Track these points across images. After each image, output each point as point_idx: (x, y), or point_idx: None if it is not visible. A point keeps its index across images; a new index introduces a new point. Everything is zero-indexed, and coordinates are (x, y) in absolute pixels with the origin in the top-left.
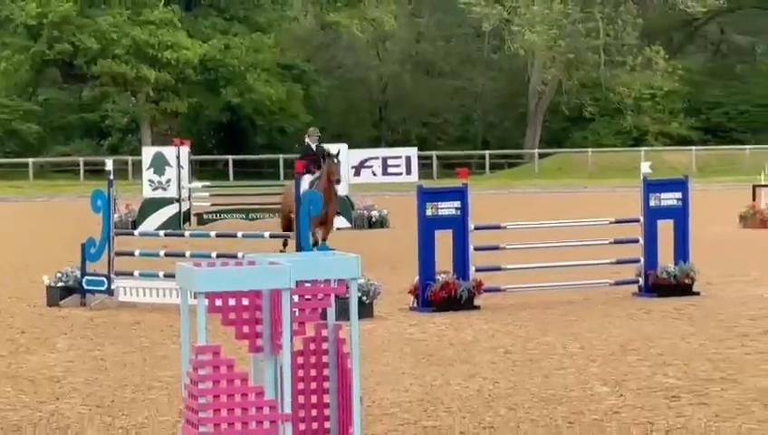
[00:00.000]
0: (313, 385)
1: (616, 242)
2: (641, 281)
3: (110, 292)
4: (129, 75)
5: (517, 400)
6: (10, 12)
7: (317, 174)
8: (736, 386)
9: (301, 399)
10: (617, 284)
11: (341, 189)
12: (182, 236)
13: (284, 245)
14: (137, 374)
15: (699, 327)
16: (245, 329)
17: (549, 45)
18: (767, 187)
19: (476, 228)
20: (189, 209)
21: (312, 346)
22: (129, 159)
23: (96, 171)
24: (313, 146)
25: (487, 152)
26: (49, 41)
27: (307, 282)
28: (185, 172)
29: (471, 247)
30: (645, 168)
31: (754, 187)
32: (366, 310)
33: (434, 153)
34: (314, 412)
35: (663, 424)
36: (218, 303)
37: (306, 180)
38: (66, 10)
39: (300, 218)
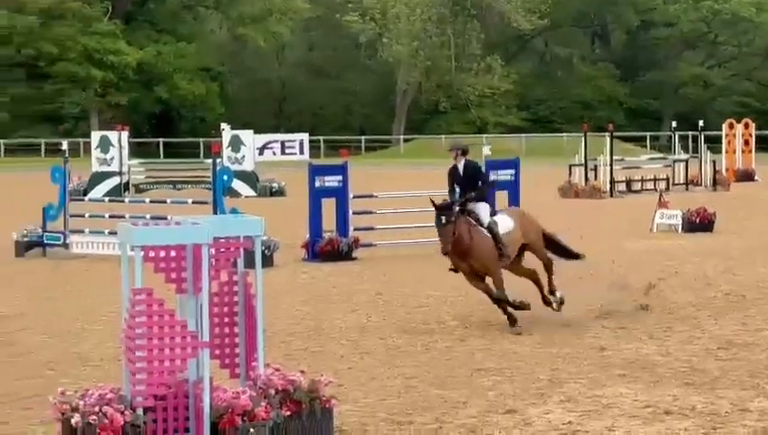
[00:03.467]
0: (226, 319)
1: None
2: None
3: (65, 245)
4: (80, 74)
5: (386, 331)
6: None
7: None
8: None
9: (216, 330)
10: None
11: (248, 165)
12: (123, 202)
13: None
14: (86, 311)
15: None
16: (173, 275)
17: (411, 55)
18: (580, 166)
19: (355, 197)
20: (128, 181)
21: (226, 289)
22: (81, 141)
23: (54, 151)
24: None
25: (363, 138)
26: (17, 46)
27: (222, 238)
28: (125, 151)
29: (350, 212)
30: (486, 150)
31: (570, 166)
32: (267, 260)
33: (321, 138)
34: (227, 341)
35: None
36: (152, 254)
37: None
38: (30, 22)
39: (216, 190)
